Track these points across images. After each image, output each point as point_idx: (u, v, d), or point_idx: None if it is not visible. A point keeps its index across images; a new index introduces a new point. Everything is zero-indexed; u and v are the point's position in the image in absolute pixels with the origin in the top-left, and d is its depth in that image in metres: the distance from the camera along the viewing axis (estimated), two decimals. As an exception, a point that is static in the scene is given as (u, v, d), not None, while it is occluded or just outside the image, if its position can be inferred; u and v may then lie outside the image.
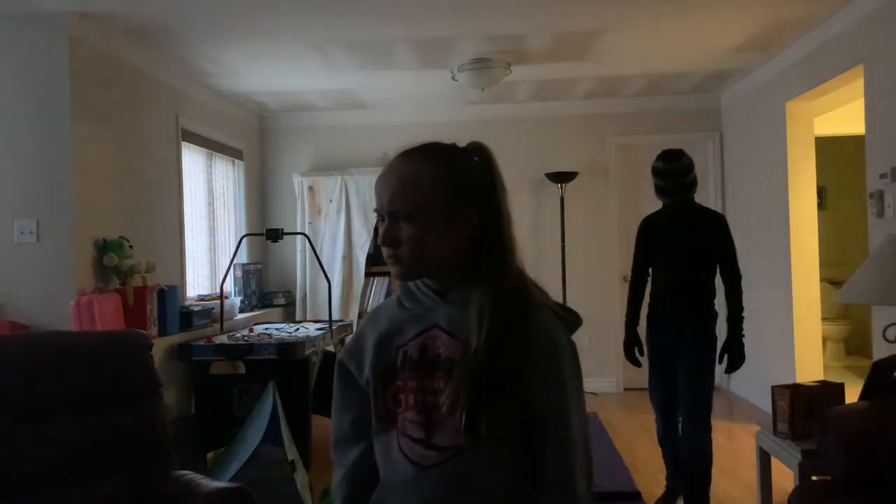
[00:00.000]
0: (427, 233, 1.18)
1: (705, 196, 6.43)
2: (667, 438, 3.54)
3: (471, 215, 1.20)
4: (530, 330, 1.17)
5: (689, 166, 3.44)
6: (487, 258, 1.21)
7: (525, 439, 1.17)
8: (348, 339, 1.35)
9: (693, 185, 3.45)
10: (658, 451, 3.64)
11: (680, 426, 3.42)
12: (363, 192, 6.21)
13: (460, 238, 1.20)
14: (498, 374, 1.14)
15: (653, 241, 3.57)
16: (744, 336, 3.36)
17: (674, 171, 3.41)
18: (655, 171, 3.49)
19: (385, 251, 1.22)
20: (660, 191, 3.48)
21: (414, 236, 1.18)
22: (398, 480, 1.20)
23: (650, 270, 3.59)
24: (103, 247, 3.86)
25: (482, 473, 1.15)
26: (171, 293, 4.22)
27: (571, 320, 1.24)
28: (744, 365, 3.39)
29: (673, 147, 3.56)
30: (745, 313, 3.37)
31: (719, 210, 6.37)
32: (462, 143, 1.27)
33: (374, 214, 1.27)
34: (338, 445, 1.34)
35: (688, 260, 3.43)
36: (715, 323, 3.42)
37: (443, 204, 1.18)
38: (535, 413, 1.16)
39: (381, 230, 1.22)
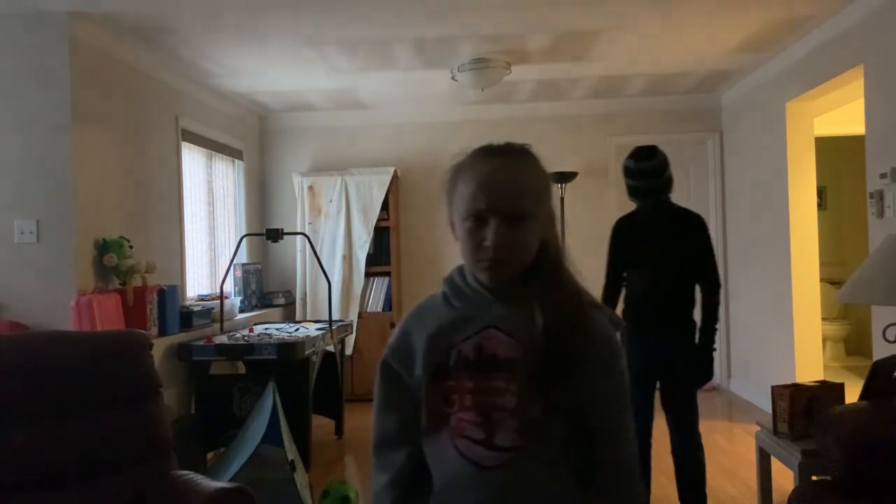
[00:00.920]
0: (529, 236, 1.19)
1: (705, 196, 6.44)
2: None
3: (549, 220, 1.23)
4: (591, 328, 1.21)
5: (664, 164, 3.14)
6: (546, 264, 1.22)
7: (577, 437, 1.18)
8: (392, 338, 1.30)
9: (669, 184, 3.18)
10: (658, 451, 3.49)
11: (671, 442, 3.24)
12: (363, 192, 6.21)
13: (538, 242, 1.22)
14: (565, 372, 1.16)
15: (628, 247, 3.29)
16: (714, 350, 3.14)
17: (647, 171, 3.10)
18: (627, 171, 3.18)
19: (488, 253, 1.17)
20: (633, 192, 3.21)
21: (522, 239, 1.18)
22: (456, 482, 1.18)
23: (624, 278, 3.35)
24: (103, 247, 3.86)
25: (542, 472, 1.17)
26: (171, 293, 4.22)
27: (617, 321, 1.27)
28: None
29: (645, 144, 3.25)
30: (718, 325, 3.18)
31: (719, 211, 6.39)
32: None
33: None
34: (381, 448, 1.29)
35: (667, 266, 3.17)
36: (695, 333, 3.19)
37: (541, 208, 1.20)
38: (592, 409, 1.19)
39: (486, 232, 1.16)
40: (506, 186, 1.17)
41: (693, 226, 3.19)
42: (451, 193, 1.23)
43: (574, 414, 1.17)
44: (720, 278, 3.20)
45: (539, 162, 1.23)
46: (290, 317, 6.24)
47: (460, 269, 1.27)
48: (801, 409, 2.88)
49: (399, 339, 1.29)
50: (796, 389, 2.93)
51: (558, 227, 1.26)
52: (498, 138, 1.27)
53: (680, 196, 6.41)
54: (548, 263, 1.22)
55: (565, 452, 1.18)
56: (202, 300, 5.05)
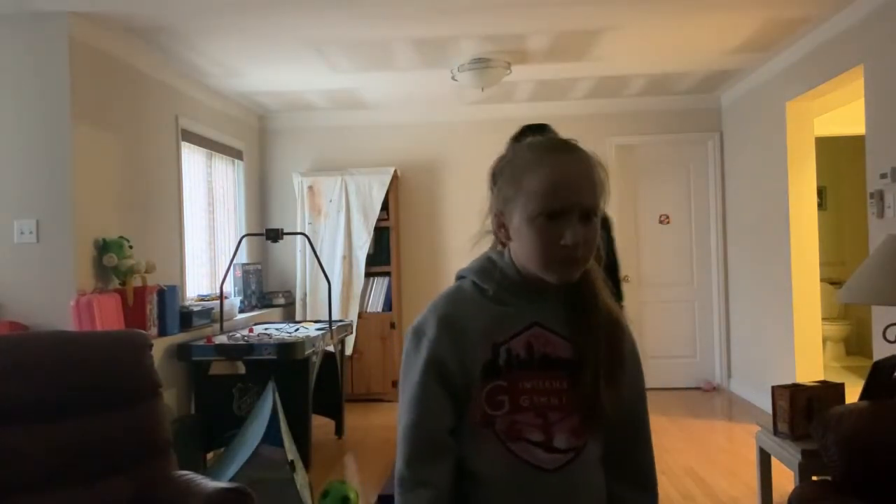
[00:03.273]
0: (596, 232, 1.16)
1: (705, 196, 6.44)
2: None
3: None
4: (626, 325, 1.22)
5: None
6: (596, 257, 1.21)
7: (614, 430, 1.21)
8: (430, 332, 1.17)
9: None
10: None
11: None
12: (363, 192, 6.21)
13: None
14: (620, 369, 1.18)
15: None
16: None
17: None
18: None
19: (565, 252, 1.12)
20: None
21: (594, 237, 1.15)
22: (512, 486, 1.14)
23: None
24: (103, 247, 3.86)
25: (595, 470, 1.19)
26: (170, 293, 4.22)
27: None
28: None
29: (536, 122, 2.84)
30: None
31: (719, 211, 6.39)
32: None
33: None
34: (423, 459, 1.14)
35: None
36: None
37: (604, 204, 1.18)
38: (630, 402, 1.22)
39: (564, 230, 1.11)
40: (584, 182, 1.15)
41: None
42: (509, 191, 1.16)
43: (617, 409, 1.19)
44: (622, 293, 2.61)
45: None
46: (290, 317, 6.24)
47: (491, 261, 1.22)
48: (801, 409, 2.87)
49: (444, 331, 1.16)
50: (796, 389, 2.93)
51: None
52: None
53: (680, 196, 6.53)
54: (595, 263, 1.20)
55: (601, 449, 1.21)
56: (202, 300, 5.04)
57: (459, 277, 1.26)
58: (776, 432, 2.97)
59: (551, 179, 1.13)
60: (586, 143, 1.24)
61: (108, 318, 3.59)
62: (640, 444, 1.25)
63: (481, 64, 4.83)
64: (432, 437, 1.15)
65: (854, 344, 7.50)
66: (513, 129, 1.24)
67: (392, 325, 6.18)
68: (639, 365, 1.25)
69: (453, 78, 5.11)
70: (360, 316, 6.18)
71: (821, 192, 6.81)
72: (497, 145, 1.30)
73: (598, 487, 1.20)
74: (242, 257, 5.85)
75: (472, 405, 1.15)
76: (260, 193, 6.55)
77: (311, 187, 6.31)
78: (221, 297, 4.86)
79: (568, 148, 1.18)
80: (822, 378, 4.13)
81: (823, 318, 5.38)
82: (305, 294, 6.29)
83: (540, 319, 1.17)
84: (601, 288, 1.20)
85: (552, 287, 1.17)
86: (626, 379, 1.20)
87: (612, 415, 1.17)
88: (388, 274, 6.29)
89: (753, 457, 3.29)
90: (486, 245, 1.27)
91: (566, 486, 1.15)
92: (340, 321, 5.45)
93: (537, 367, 1.16)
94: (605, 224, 2.55)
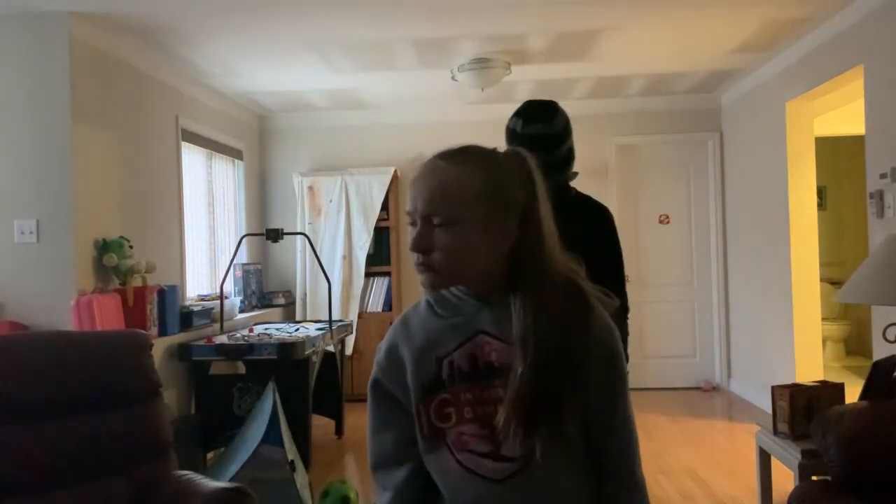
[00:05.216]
0: (464, 242, 1.13)
1: (705, 196, 6.44)
2: None
3: (510, 226, 1.15)
4: (590, 323, 1.15)
5: (566, 129, 2.17)
6: (527, 268, 1.15)
7: (584, 431, 1.16)
8: (379, 354, 1.25)
9: (569, 160, 2.19)
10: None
11: None
12: (363, 192, 6.21)
13: (499, 248, 1.15)
14: (565, 371, 1.12)
15: None
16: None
17: (543, 138, 2.09)
18: (512, 136, 2.15)
19: (415, 257, 1.16)
20: None
21: (450, 245, 1.13)
22: (466, 498, 1.15)
23: None
24: (103, 247, 3.86)
25: (557, 473, 1.14)
26: (171, 293, 4.22)
27: (609, 302, 1.23)
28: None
29: (540, 99, 2.27)
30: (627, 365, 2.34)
31: (719, 211, 6.39)
32: (460, 144, 1.25)
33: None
34: (380, 468, 1.23)
35: None
36: None
37: (483, 213, 1.13)
38: (594, 403, 1.16)
39: (411, 234, 1.16)
40: (431, 189, 1.15)
41: (599, 220, 2.25)
42: None
43: (579, 409, 1.14)
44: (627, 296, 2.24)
45: (496, 167, 1.16)
46: (290, 317, 6.24)
47: None
48: (801, 409, 2.87)
49: (386, 356, 1.23)
50: (796, 389, 2.93)
51: (546, 236, 1.17)
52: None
53: (680, 196, 6.53)
54: (530, 273, 1.15)
55: (575, 447, 1.15)
56: (202, 300, 5.04)
57: None
58: (776, 432, 2.97)
59: (410, 188, 1.19)
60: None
61: (108, 318, 3.59)
62: (612, 446, 1.18)
63: (481, 64, 4.83)
64: (383, 450, 1.23)
65: (854, 344, 7.50)
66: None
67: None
68: (610, 365, 1.17)
69: (453, 78, 5.11)
70: (360, 316, 6.19)
71: (821, 192, 6.82)
72: (497, 146, 1.30)
73: (567, 490, 1.15)
74: (242, 257, 5.85)
75: (423, 420, 1.17)
76: (260, 193, 6.55)
77: (311, 187, 6.31)
78: (221, 297, 4.86)
79: (444, 155, 1.19)
80: (822, 378, 4.13)
81: (823, 318, 5.38)
82: (305, 294, 6.30)
83: (485, 327, 1.16)
84: (543, 289, 1.14)
85: (496, 292, 1.16)
86: (586, 380, 1.14)
87: (559, 420, 1.12)
88: (388, 274, 6.29)
89: (753, 457, 3.29)
90: None
91: (518, 495, 1.12)
92: (340, 321, 5.45)
93: (481, 376, 1.14)
94: (605, 220, 2.34)
